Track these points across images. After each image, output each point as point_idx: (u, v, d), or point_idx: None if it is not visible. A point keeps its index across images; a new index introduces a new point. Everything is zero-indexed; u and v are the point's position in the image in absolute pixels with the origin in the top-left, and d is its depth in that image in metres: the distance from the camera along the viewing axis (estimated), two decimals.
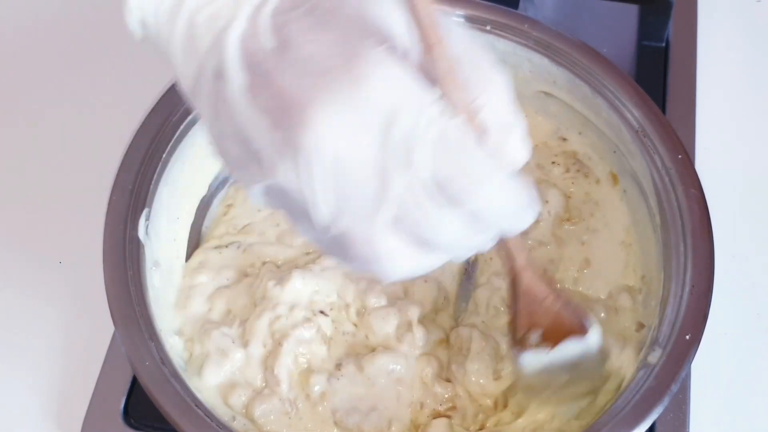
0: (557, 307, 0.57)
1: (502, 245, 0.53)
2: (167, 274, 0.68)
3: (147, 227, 0.65)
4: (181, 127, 0.69)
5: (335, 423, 0.63)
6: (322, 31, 0.40)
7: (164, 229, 0.68)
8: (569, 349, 0.57)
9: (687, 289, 0.61)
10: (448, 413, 0.63)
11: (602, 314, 0.65)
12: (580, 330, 0.57)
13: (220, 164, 0.75)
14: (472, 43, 0.41)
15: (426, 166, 0.38)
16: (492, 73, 0.41)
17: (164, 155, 0.68)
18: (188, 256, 0.71)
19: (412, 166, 0.38)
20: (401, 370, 0.64)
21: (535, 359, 0.58)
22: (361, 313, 0.67)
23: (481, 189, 0.39)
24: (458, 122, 0.39)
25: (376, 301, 0.67)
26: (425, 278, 0.68)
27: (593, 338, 0.58)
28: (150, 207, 0.66)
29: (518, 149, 0.41)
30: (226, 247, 0.71)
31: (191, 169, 0.72)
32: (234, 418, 0.62)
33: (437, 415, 0.63)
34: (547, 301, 0.56)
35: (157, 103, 0.69)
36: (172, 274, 0.69)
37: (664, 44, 0.86)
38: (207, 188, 0.74)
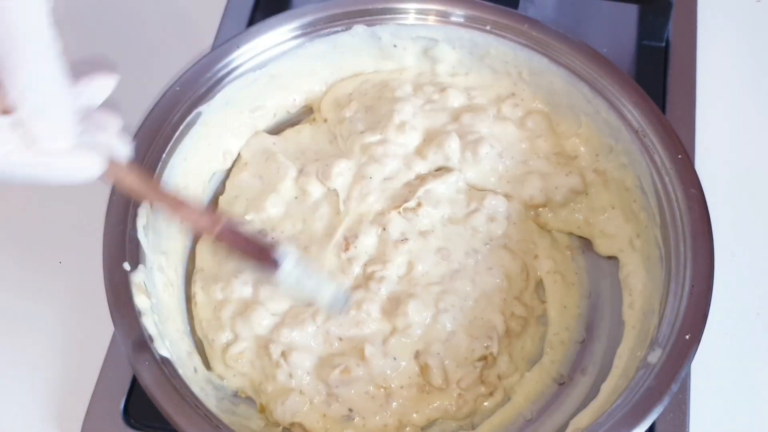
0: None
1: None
2: (167, 272, 0.68)
3: (146, 227, 0.65)
4: (181, 127, 0.69)
5: None
6: None
7: (164, 229, 0.68)
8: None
9: (687, 289, 0.62)
10: None
11: None
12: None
13: (218, 165, 0.76)
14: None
15: None
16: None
17: (164, 155, 0.68)
18: (188, 256, 0.72)
19: None
20: None
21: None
22: None
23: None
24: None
25: None
26: None
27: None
28: (150, 206, 0.66)
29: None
30: None
31: (190, 169, 0.72)
32: None
33: None
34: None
35: (157, 104, 0.69)
36: (172, 272, 0.69)
37: (664, 44, 0.86)
38: (205, 188, 0.74)
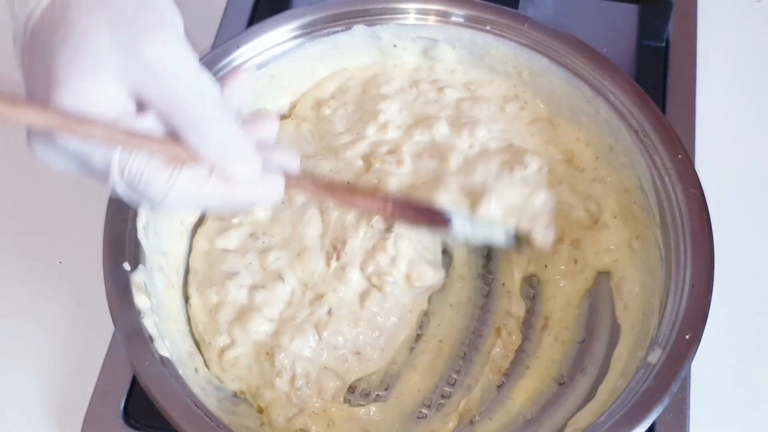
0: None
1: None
2: (167, 273, 0.68)
3: (146, 227, 0.65)
4: None
5: None
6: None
7: (164, 229, 0.68)
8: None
9: (687, 289, 0.61)
10: None
11: None
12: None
13: None
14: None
15: None
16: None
17: None
18: (188, 258, 0.72)
19: None
20: None
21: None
22: None
23: None
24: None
25: None
26: None
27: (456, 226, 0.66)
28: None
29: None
30: None
31: None
32: None
33: None
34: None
35: None
36: (172, 273, 0.69)
37: (664, 44, 0.86)
38: None
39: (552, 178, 0.72)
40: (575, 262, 0.71)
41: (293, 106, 0.79)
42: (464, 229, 0.66)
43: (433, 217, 0.66)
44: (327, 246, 0.69)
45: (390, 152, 0.73)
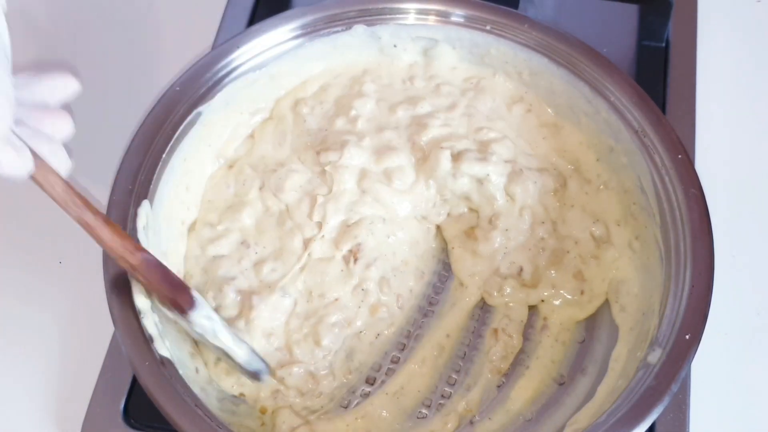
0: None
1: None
2: None
3: (146, 227, 0.65)
4: (181, 127, 0.69)
5: None
6: None
7: (164, 230, 0.68)
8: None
9: (687, 289, 0.62)
10: None
11: None
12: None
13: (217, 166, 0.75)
14: None
15: None
16: None
17: (164, 155, 0.68)
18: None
19: None
20: None
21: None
22: None
23: None
24: None
25: None
26: None
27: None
28: (150, 207, 0.66)
29: None
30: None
31: (190, 169, 0.72)
32: None
33: None
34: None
35: (157, 103, 0.69)
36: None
37: (664, 44, 0.86)
38: (206, 189, 0.74)
39: (565, 201, 0.72)
40: (582, 293, 0.70)
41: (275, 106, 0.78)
42: (205, 320, 0.60)
43: (178, 291, 0.59)
44: (342, 251, 0.70)
45: (342, 144, 0.72)
